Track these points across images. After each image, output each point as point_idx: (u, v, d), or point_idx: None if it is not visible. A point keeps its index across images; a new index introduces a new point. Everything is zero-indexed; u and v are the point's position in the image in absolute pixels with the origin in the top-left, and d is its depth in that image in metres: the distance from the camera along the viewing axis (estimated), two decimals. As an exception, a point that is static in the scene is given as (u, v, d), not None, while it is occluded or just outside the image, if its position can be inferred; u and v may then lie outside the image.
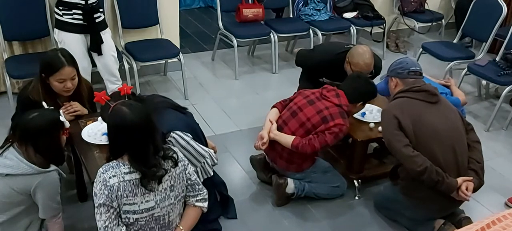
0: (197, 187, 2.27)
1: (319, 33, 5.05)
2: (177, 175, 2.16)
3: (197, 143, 2.56)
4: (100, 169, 2.05)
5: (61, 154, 2.36)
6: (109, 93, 3.34)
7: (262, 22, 5.05)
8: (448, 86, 3.45)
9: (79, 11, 3.52)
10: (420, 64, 3.01)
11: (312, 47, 4.55)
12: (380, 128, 2.88)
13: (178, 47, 4.49)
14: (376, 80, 3.33)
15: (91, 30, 3.59)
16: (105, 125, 2.64)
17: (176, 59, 4.32)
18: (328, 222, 2.99)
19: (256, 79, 4.89)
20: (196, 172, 2.52)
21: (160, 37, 4.49)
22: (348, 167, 3.25)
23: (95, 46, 3.63)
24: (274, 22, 5.29)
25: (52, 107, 2.48)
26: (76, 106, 2.82)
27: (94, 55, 3.67)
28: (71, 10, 3.52)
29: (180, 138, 2.47)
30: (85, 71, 3.45)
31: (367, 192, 3.22)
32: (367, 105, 3.16)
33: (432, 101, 2.71)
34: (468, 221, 2.79)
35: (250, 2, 5.02)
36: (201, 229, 2.48)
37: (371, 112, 3.25)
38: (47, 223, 2.34)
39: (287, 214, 3.02)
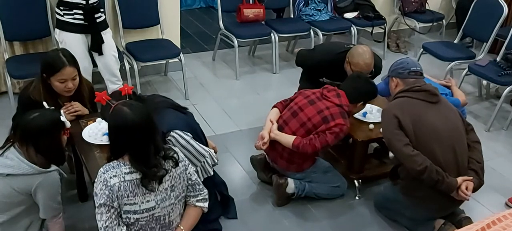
0: (197, 187, 2.28)
1: (320, 33, 5.05)
2: (177, 175, 2.16)
3: (197, 142, 2.56)
4: (101, 169, 2.05)
5: (61, 154, 2.37)
6: (110, 93, 3.34)
7: (263, 22, 5.05)
8: (448, 87, 3.45)
9: (80, 11, 3.53)
10: (421, 64, 3.01)
11: (312, 47, 4.55)
12: (380, 129, 2.88)
13: (179, 47, 4.49)
14: (377, 80, 3.33)
15: (92, 30, 3.60)
16: (105, 124, 2.65)
17: (177, 60, 4.32)
18: (329, 222, 2.99)
19: (256, 79, 4.89)
20: (196, 172, 2.52)
21: (161, 37, 4.50)
22: (349, 167, 3.25)
23: (96, 46, 3.63)
24: (275, 22, 5.29)
25: (53, 108, 2.48)
26: (77, 106, 2.82)
27: (95, 55, 3.68)
28: (72, 10, 3.53)
29: (180, 137, 2.48)
30: (86, 71, 3.46)
31: (367, 192, 3.22)
32: (367, 105, 3.16)
33: (432, 101, 2.71)
34: (468, 221, 2.79)
35: (250, 2, 5.02)
36: (202, 229, 2.48)
37: (371, 113, 3.25)
38: (47, 223, 2.34)
39: (287, 214, 3.02)
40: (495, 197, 3.28)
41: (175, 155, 2.15)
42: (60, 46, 3.58)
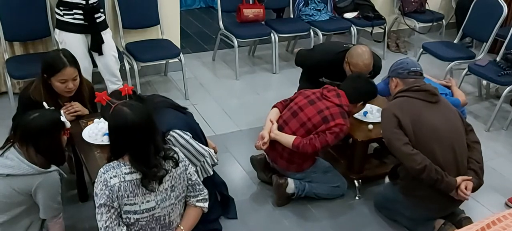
0: (197, 187, 2.28)
1: (320, 33, 5.05)
2: (177, 175, 2.16)
3: (197, 142, 2.56)
4: (101, 169, 2.05)
5: (61, 154, 2.37)
6: (109, 93, 3.34)
7: (263, 22, 5.05)
8: (449, 87, 3.45)
9: (80, 11, 3.53)
10: (421, 64, 3.01)
11: (312, 47, 4.55)
12: (380, 129, 2.89)
13: (179, 47, 4.49)
14: (377, 80, 3.33)
15: (92, 30, 3.60)
16: (103, 124, 2.66)
17: (177, 60, 4.32)
18: (329, 222, 2.99)
19: (256, 79, 4.89)
20: (196, 171, 2.52)
21: (161, 38, 4.50)
22: (349, 167, 3.26)
23: (96, 46, 3.63)
24: (275, 22, 5.29)
25: (53, 108, 2.48)
26: (77, 106, 2.82)
27: (95, 55, 3.68)
28: (72, 10, 3.53)
29: (179, 137, 2.48)
30: (86, 71, 3.46)
31: (367, 192, 3.22)
32: (367, 105, 3.16)
33: (432, 101, 2.72)
34: (468, 221, 2.79)
35: (250, 2, 5.02)
36: (202, 229, 2.48)
37: (372, 113, 3.25)
38: (47, 223, 2.34)
39: (287, 214, 3.02)
40: (495, 197, 3.28)
41: (175, 155, 2.15)
42: (60, 47, 3.58)
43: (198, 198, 2.28)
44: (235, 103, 4.39)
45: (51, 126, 2.26)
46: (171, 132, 2.48)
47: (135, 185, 2.04)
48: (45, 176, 2.22)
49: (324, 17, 5.27)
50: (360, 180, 3.19)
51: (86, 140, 2.61)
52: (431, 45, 4.81)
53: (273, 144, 2.97)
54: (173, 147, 2.26)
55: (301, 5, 5.28)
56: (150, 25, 4.44)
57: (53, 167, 2.27)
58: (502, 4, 4.40)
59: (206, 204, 2.32)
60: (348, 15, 5.40)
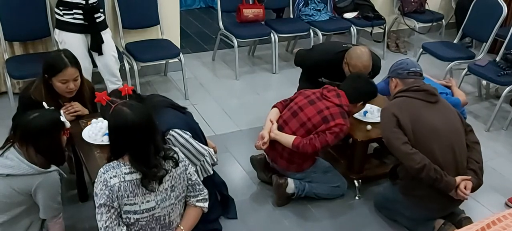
0: (197, 187, 2.28)
1: (320, 33, 5.05)
2: (177, 175, 2.16)
3: (197, 141, 2.57)
4: (101, 169, 2.05)
5: (61, 154, 2.36)
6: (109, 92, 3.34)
7: (263, 22, 5.05)
8: (449, 87, 3.45)
9: (80, 11, 3.53)
10: (421, 64, 3.01)
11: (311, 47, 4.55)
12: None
13: (179, 47, 4.49)
14: (377, 80, 3.33)
15: (92, 30, 3.59)
16: (101, 124, 2.66)
17: (177, 60, 4.32)
18: (329, 222, 2.99)
19: (256, 79, 4.89)
20: (196, 171, 2.53)
21: (161, 38, 4.50)
22: (349, 167, 3.26)
23: (95, 46, 3.63)
24: (275, 22, 5.29)
25: (53, 108, 2.48)
26: (77, 106, 2.82)
27: (95, 55, 3.68)
28: (72, 10, 3.53)
29: (179, 136, 2.48)
30: (86, 71, 3.45)
31: (367, 192, 3.22)
32: (368, 105, 3.16)
33: (431, 101, 2.72)
34: (468, 221, 2.79)
35: (250, 2, 5.02)
36: (202, 229, 2.48)
37: (372, 113, 3.25)
38: (47, 223, 2.34)
39: (287, 214, 3.02)
40: (495, 197, 3.28)
41: (175, 155, 2.15)
42: (60, 46, 3.59)
43: (198, 198, 2.28)
44: (235, 103, 4.39)
45: (51, 126, 2.26)
46: (170, 131, 2.48)
47: (135, 185, 2.04)
48: (45, 176, 2.22)
49: (324, 17, 5.27)
50: (360, 180, 3.19)
51: (86, 140, 2.61)
52: (431, 45, 4.81)
53: (273, 143, 2.97)
54: (173, 147, 2.26)
55: (301, 5, 5.28)
56: (150, 25, 4.44)
57: (53, 167, 2.27)
58: (502, 4, 4.40)
59: (206, 204, 2.32)
60: (348, 15, 5.40)
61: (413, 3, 5.65)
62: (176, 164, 2.15)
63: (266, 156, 3.16)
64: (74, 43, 3.51)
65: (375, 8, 5.52)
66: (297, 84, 3.76)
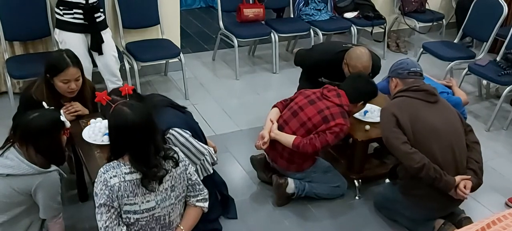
0: (197, 187, 2.27)
1: (320, 33, 5.05)
2: (177, 175, 2.16)
3: (196, 141, 2.57)
4: (101, 169, 2.05)
5: (61, 154, 2.36)
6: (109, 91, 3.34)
7: (263, 22, 5.05)
8: (449, 87, 3.45)
9: (80, 11, 3.53)
10: (421, 64, 3.01)
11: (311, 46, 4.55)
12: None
13: (179, 47, 4.49)
14: (377, 80, 3.33)
15: (92, 29, 3.60)
16: (100, 124, 2.66)
17: (177, 59, 4.32)
18: (329, 222, 2.99)
19: (256, 79, 4.89)
20: (196, 170, 2.53)
21: (161, 37, 4.50)
22: (349, 167, 3.25)
23: (95, 46, 3.63)
24: (275, 22, 5.29)
25: (53, 107, 2.48)
26: (77, 106, 2.82)
27: (95, 55, 3.68)
28: (72, 10, 3.53)
29: (179, 135, 2.48)
30: (86, 71, 3.44)
31: (367, 192, 3.22)
32: (368, 105, 3.16)
33: (431, 101, 2.72)
34: (468, 221, 2.79)
35: (250, 2, 5.02)
36: (202, 228, 2.48)
37: (372, 113, 3.25)
38: (47, 223, 2.34)
39: (287, 214, 3.02)
40: (495, 197, 3.28)
41: (175, 155, 2.15)
42: (60, 46, 3.59)
43: (198, 198, 2.28)
44: (235, 103, 4.39)
45: (51, 126, 2.26)
46: (170, 130, 2.48)
47: (135, 185, 2.04)
48: (45, 176, 2.22)
49: (324, 17, 5.27)
50: (360, 180, 3.19)
51: (86, 140, 2.61)
52: (431, 45, 4.81)
53: (273, 143, 2.97)
54: (173, 147, 2.25)
55: (301, 4, 5.28)
56: (150, 25, 4.44)
57: (53, 167, 2.27)
58: (502, 3, 4.40)
59: (206, 204, 2.32)
60: (348, 15, 5.40)
61: (413, 3, 5.65)
62: (176, 164, 2.15)
63: (266, 156, 3.16)
64: (74, 43, 3.52)
65: (375, 7, 5.52)
66: (297, 84, 3.76)
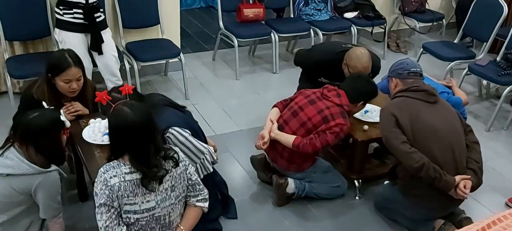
0: (197, 187, 2.27)
1: (320, 33, 5.05)
2: (178, 175, 2.16)
3: (196, 139, 2.57)
4: (101, 168, 2.05)
5: (61, 154, 2.37)
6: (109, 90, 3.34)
7: (263, 22, 5.05)
8: (449, 87, 3.45)
9: (80, 11, 3.53)
10: (421, 64, 3.01)
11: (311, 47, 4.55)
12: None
13: (179, 47, 4.49)
14: (377, 80, 3.33)
15: (92, 29, 3.60)
16: (99, 124, 2.66)
17: (177, 59, 4.32)
18: (329, 222, 2.99)
19: (256, 79, 4.89)
20: (196, 169, 2.53)
21: (161, 37, 4.50)
22: (349, 167, 3.25)
23: (95, 45, 3.63)
24: (275, 22, 5.29)
25: (53, 107, 2.48)
26: (77, 106, 2.82)
27: (95, 55, 3.68)
28: (72, 9, 3.53)
29: (178, 134, 2.48)
30: (86, 71, 3.42)
31: (367, 192, 3.22)
32: (368, 105, 3.16)
33: (430, 101, 2.72)
34: (468, 221, 2.79)
35: (250, 2, 5.02)
36: (202, 228, 2.48)
37: (372, 113, 3.25)
38: (47, 223, 2.34)
39: (287, 214, 3.02)
40: (495, 197, 3.28)
41: (175, 155, 2.15)
42: (60, 46, 3.59)
43: (198, 198, 2.28)
44: (235, 103, 4.39)
45: (50, 126, 2.26)
46: (170, 129, 2.48)
47: (135, 184, 2.04)
48: (45, 176, 2.22)
49: (324, 17, 5.26)
50: (360, 180, 3.19)
51: (86, 139, 2.61)
52: (431, 45, 4.81)
53: (273, 143, 2.97)
54: (173, 147, 2.25)
55: (301, 4, 5.28)
56: (150, 25, 4.44)
57: (53, 167, 2.27)
58: (502, 4, 4.39)
59: (206, 204, 2.32)
60: (348, 15, 5.40)
61: (413, 3, 5.65)
62: (176, 164, 2.14)
63: (266, 156, 3.16)
64: (74, 42, 3.51)
65: (375, 7, 5.52)
66: (297, 84, 3.76)
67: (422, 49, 4.77)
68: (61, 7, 3.55)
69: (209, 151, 2.62)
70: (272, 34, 4.88)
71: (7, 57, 3.83)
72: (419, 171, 2.56)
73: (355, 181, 3.18)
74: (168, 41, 4.43)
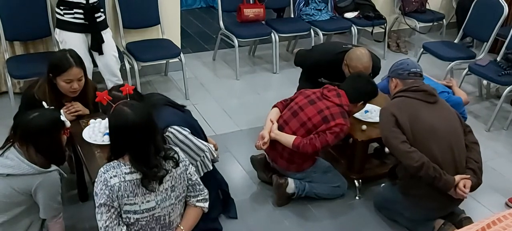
0: (198, 187, 2.27)
1: (320, 33, 5.05)
2: (178, 175, 2.16)
3: (196, 137, 2.57)
4: (101, 169, 2.05)
5: (62, 154, 2.37)
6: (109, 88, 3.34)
7: (263, 22, 5.05)
8: (450, 87, 3.45)
9: (80, 11, 3.53)
10: (421, 64, 3.02)
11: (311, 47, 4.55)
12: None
13: (179, 47, 4.49)
14: (377, 80, 3.33)
15: (92, 29, 3.60)
16: (99, 125, 2.66)
17: (177, 59, 4.32)
18: (329, 222, 2.99)
19: (257, 79, 4.89)
20: (196, 166, 2.54)
21: (161, 37, 4.50)
22: (349, 167, 3.25)
23: (96, 46, 3.63)
24: (275, 22, 5.29)
25: (53, 107, 2.48)
26: (77, 106, 2.83)
27: (95, 55, 3.68)
28: (72, 10, 3.53)
29: (178, 133, 2.48)
30: (87, 71, 3.44)
31: (367, 192, 3.22)
32: (369, 105, 3.16)
33: (430, 101, 2.72)
34: (468, 221, 2.79)
35: (251, 2, 5.02)
36: (202, 227, 2.48)
37: (372, 113, 3.25)
38: (48, 223, 2.34)
39: (287, 214, 3.02)
40: (495, 197, 3.28)
41: (175, 155, 2.15)
42: (61, 46, 3.59)
43: (198, 198, 2.28)
44: (235, 103, 4.39)
45: (51, 126, 2.26)
46: (169, 128, 2.48)
47: (135, 185, 2.04)
48: (45, 176, 2.22)
49: (324, 17, 5.27)
50: (360, 180, 3.19)
51: (87, 140, 2.61)
52: (431, 45, 4.81)
53: (273, 143, 2.97)
54: (173, 147, 2.26)
55: (302, 4, 5.28)
56: (150, 25, 4.44)
57: (53, 167, 2.27)
58: (502, 4, 4.39)
59: (206, 204, 2.32)
60: (349, 15, 5.40)
61: (414, 3, 5.65)
62: (177, 164, 2.15)
63: (267, 156, 3.16)
64: (75, 42, 3.51)
65: (375, 7, 5.51)
66: (297, 84, 3.76)
67: (422, 49, 4.77)
68: (61, 7, 3.55)
69: (209, 148, 2.62)
70: (272, 34, 4.88)
71: (8, 57, 3.84)
72: (419, 170, 2.56)
73: (355, 181, 3.18)
74: (169, 41, 4.43)
